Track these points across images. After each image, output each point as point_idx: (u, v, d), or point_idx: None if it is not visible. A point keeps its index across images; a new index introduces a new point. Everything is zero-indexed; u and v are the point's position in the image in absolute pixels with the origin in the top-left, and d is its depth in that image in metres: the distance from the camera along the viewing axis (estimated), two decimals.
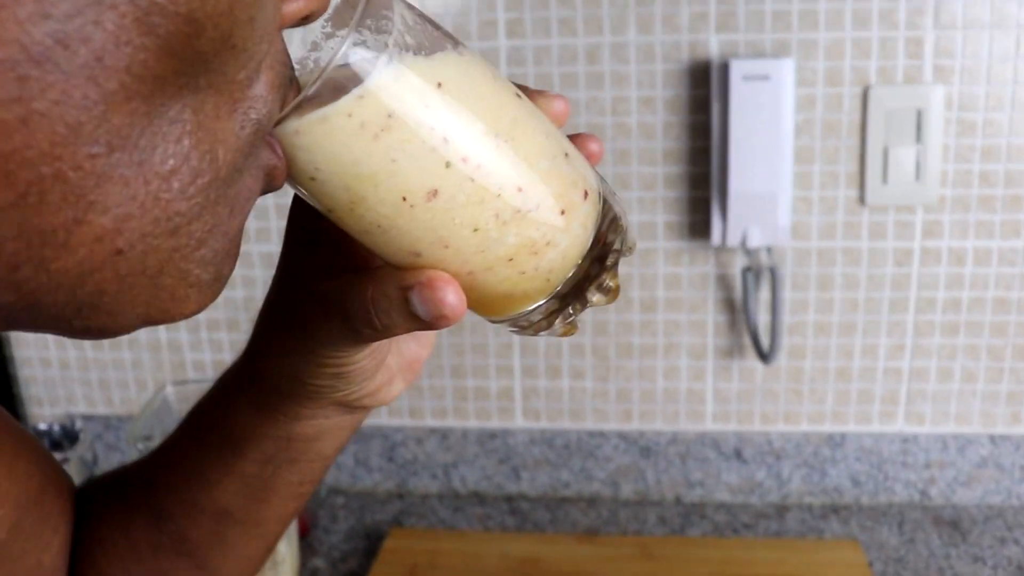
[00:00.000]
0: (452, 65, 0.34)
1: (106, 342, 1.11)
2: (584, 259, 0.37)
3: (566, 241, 0.36)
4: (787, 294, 1.00)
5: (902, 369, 1.02)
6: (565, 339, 1.04)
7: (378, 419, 1.09)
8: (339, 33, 0.33)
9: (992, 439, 1.03)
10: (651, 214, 1.00)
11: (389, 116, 0.32)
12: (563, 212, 0.36)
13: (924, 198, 0.96)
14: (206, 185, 0.27)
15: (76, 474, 0.85)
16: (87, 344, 1.11)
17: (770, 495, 1.07)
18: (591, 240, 0.37)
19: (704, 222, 0.99)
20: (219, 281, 0.30)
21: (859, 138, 0.95)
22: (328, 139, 0.32)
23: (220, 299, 1.06)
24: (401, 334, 0.38)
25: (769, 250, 0.98)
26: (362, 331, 0.38)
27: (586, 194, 0.37)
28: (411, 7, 0.34)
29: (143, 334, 1.10)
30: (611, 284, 0.39)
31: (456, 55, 0.34)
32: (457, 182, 0.33)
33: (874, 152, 0.95)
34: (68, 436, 0.88)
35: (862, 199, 0.97)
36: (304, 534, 1.03)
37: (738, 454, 1.06)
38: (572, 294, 0.38)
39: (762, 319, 1.00)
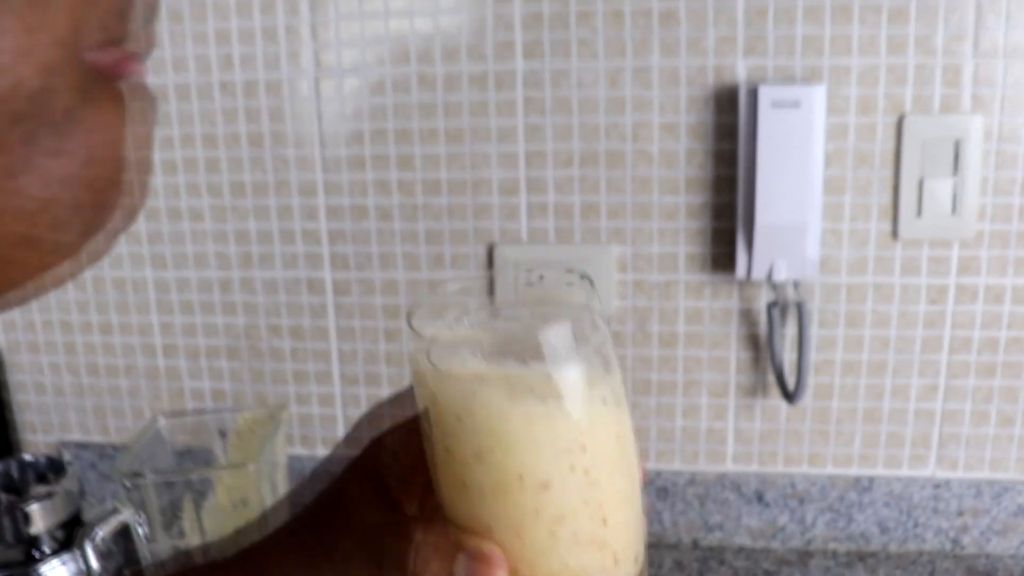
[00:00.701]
0: (614, 387, 0.37)
1: (102, 369, 1.07)
2: None
3: None
4: (814, 331, 0.95)
5: (935, 411, 0.97)
6: None
7: None
8: (553, 322, 0.36)
9: None
10: (673, 245, 0.95)
11: (558, 404, 0.35)
12: (616, 562, 0.38)
13: (960, 232, 0.91)
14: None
15: (63, 507, 0.80)
16: (83, 370, 1.07)
17: (793, 540, 1.01)
18: None
19: (728, 254, 0.94)
20: (92, 231, 0.24)
21: (893, 169, 0.91)
22: (503, 397, 0.35)
23: (220, 326, 1.03)
24: None
25: (796, 284, 0.93)
26: (388, 571, 0.37)
27: (636, 559, 0.39)
28: (609, 336, 0.38)
29: (141, 360, 1.06)
30: None
31: (618, 381, 0.38)
32: (570, 488, 0.36)
33: (908, 184, 0.90)
34: (54, 468, 0.84)
35: (895, 233, 0.92)
36: None
37: (759, 497, 1.00)
38: None
39: (787, 357, 0.96)
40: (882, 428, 0.98)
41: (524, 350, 0.35)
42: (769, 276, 0.91)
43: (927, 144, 0.89)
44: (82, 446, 1.09)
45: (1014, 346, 0.94)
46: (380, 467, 0.41)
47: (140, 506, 0.77)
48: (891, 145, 0.90)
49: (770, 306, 0.94)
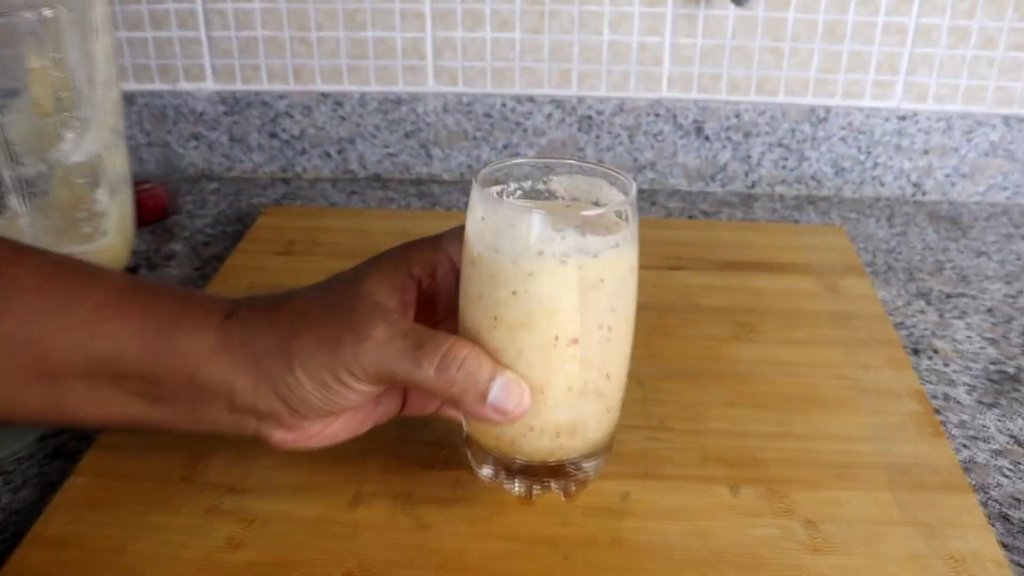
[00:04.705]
0: (635, 256, 0.43)
1: None
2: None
3: (582, 444, 0.44)
4: None
5: (907, 26, 0.82)
6: None
7: (256, 84, 0.88)
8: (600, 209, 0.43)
9: (1006, 121, 0.84)
10: None
11: (601, 280, 0.41)
12: (608, 411, 0.44)
13: None
14: None
15: None
16: None
17: (735, 183, 0.88)
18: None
19: None
20: None
21: None
22: (557, 272, 0.40)
23: None
24: (437, 390, 0.40)
25: None
26: (422, 364, 0.39)
27: (618, 410, 0.45)
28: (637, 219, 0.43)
29: None
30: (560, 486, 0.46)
31: (636, 247, 0.43)
32: (593, 343, 0.41)
33: None
34: None
35: None
36: (161, 217, 0.83)
37: (699, 130, 0.86)
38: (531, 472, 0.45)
39: None
40: (844, 47, 0.83)
41: (578, 224, 0.40)
42: None
43: None
44: None
45: None
46: (406, 277, 0.44)
47: None
48: None
49: None
